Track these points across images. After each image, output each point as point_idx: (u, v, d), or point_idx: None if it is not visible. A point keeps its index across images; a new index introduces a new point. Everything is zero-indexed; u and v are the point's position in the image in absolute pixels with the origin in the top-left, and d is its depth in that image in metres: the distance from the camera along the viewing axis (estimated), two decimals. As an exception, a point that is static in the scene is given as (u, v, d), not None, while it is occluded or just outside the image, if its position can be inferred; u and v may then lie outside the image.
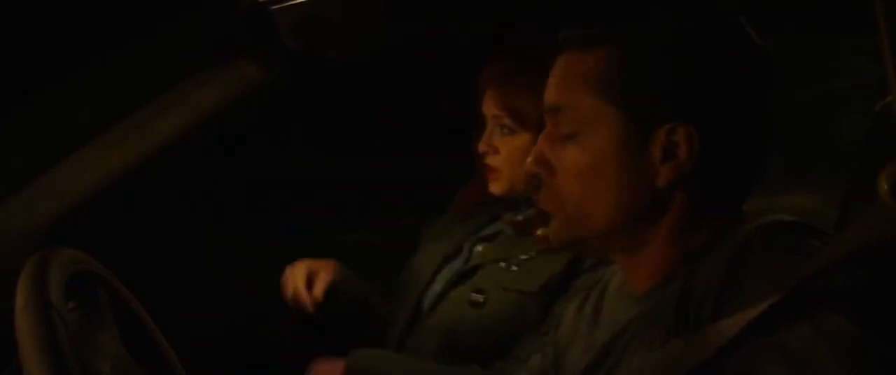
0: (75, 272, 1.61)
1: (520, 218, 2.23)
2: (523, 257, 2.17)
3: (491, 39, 2.27)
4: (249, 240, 2.69)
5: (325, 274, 2.28)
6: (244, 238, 2.67)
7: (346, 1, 1.91)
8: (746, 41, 1.45)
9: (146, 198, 2.30)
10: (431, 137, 2.33)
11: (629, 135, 1.42)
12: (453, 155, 2.34)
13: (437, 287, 2.26)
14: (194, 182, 2.60)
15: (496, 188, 2.20)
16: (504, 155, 2.17)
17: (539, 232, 2.10)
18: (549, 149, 1.48)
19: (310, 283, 2.27)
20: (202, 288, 2.59)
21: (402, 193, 2.70)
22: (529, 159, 1.49)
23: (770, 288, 1.21)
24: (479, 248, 2.27)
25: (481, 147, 2.19)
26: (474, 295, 2.17)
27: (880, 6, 1.24)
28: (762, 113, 1.45)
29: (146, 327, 1.77)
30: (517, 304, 2.11)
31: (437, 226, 2.40)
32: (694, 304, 1.35)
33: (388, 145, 2.82)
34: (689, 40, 1.43)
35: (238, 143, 2.55)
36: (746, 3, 1.51)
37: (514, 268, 2.16)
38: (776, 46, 1.47)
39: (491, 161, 2.19)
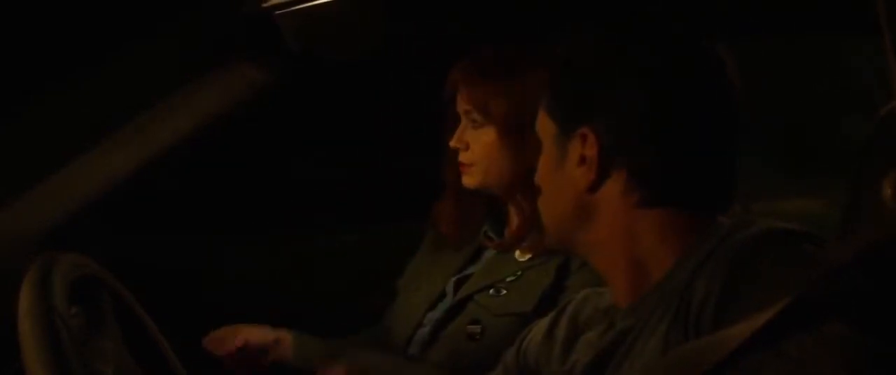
0: (78, 276, 1.61)
1: (499, 239, 2.23)
2: (510, 279, 2.15)
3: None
4: (250, 240, 2.69)
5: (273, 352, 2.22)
6: (244, 238, 2.67)
7: (348, 2, 1.90)
8: (673, 41, 1.46)
9: (147, 199, 2.30)
10: (433, 137, 2.32)
11: (556, 141, 1.48)
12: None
13: (426, 329, 2.23)
14: (195, 182, 2.60)
15: (469, 181, 2.19)
16: (475, 149, 2.17)
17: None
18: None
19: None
20: (202, 289, 2.59)
21: (403, 193, 2.69)
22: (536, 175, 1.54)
23: (771, 298, 1.20)
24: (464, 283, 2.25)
25: (453, 143, 2.19)
26: (470, 327, 2.14)
27: (883, 8, 1.23)
28: (696, 112, 1.45)
29: (148, 330, 1.77)
30: (515, 328, 2.08)
31: (413, 270, 2.37)
32: (693, 315, 1.35)
33: (390, 145, 2.82)
34: (610, 43, 1.46)
35: (238, 144, 2.55)
36: (748, 4, 1.51)
37: (504, 292, 2.14)
38: (777, 47, 1.46)
39: (463, 156, 2.19)
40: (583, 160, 1.45)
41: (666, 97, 1.44)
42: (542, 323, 1.67)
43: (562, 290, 2.08)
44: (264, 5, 1.85)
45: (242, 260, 2.66)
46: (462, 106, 2.19)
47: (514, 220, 2.21)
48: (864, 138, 2.00)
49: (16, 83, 2.08)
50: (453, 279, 2.24)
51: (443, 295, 2.24)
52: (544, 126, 1.51)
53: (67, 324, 1.50)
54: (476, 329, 2.12)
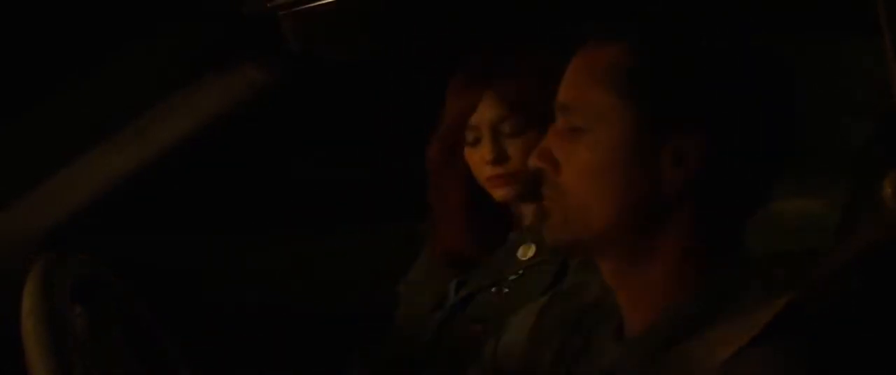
0: (81, 276, 1.61)
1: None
2: (512, 277, 2.14)
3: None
4: (250, 240, 2.69)
5: None
6: (244, 238, 2.67)
7: (350, 3, 1.91)
8: (766, 52, 1.40)
9: (148, 199, 2.30)
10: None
11: (639, 134, 1.36)
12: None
13: (431, 330, 2.21)
14: (195, 182, 2.60)
15: (509, 192, 2.11)
16: (517, 158, 2.08)
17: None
18: (557, 144, 1.41)
19: None
20: (202, 289, 2.60)
21: (403, 193, 2.69)
22: (534, 154, 1.43)
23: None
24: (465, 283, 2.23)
25: (491, 157, 2.09)
26: (473, 326, 2.14)
27: (883, 8, 1.24)
28: (779, 132, 1.40)
29: (152, 330, 1.78)
30: None
31: (416, 272, 2.36)
32: None
33: (390, 145, 2.82)
34: (709, 45, 1.38)
35: (239, 143, 2.55)
36: (750, 4, 1.50)
37: (506, 290, 2.13)
38: (779, 47, 1.46)
39: (502, 169, 2.10)
40: (676, 162, 1.35)
41: (778, 115, 1.39)
42: (521, 322, 1.63)
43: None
44: (267, 5, 1.85)
45: (242, 260, 2.66)
46: (487, 115, 2.11)
47: (523, 219, 2.19)
48: (864, 139, 2.01)
49: (17, 84, 2.09)
50: (454, 280, 2.23)
51: (446, 296, 2.23)
52: (614, 111, 1.37)
53: (71, 324, 1.50)
54: (479, 328, 2.12)
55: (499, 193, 2.13)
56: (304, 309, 2.47)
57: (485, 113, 2.11)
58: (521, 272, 2.12)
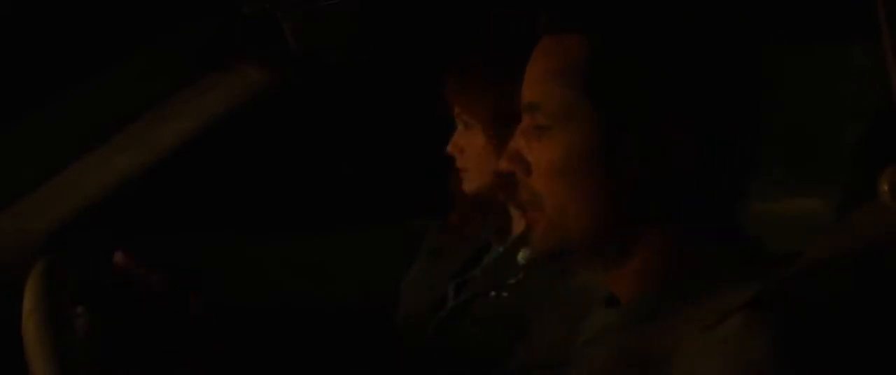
0: (84, 276, 1.62)
1: (501, 246, 2.22)
2: (511, 281, 2.15)
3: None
4: (252, 240, 2.69)
5: None
6: (244, 238, 2.67)
7: (349, 4, 1.91)
8: (742, 45, 1.35)
9: (147, 200, 2.30)
10: (438, 137, 2.32)
11: (604, 131, 1.30)
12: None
13: (430, 333, 2.22)
14: (195, 182, 2.61)
15: (467, 187, 2.16)
16: (468, 153, 2.13)
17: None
18: (525, 145, 1.36)
19: None
20: (202, 289, 2.59)
21: (407, 193, 2.70)
22: (503, 157, 1.38)
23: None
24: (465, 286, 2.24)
25: (449, 148, 2.16)
26: (474, 329, 2.14)
27: (883, 9, 1.24)
28: (751, 123, 1.35)
29: (152, 330, 1.78)
30: (518, 331, 2.08)
31: (415, 274, 2.37)
32: None
33: (392, 145, 2.83)
34: (679, 37, 1.31)
35: (241, 143, 2.56)
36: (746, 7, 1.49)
37: (505, 295, 2.14)
38: (778, 50, 1.44)
39: (459, 162, 2.16)
40: (647, 158, 1.30)
41: (749, 107, 1.34)
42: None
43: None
44: (266, 6, 1.85)
45: (242, 259, 2.66)
46: (455, 109, 2.16)
47: (520, 222, 2.20)
48: (857, 137, 2.01)
49: (20, 85, 2.09)
50: (453, 282, 2.24)
51: (445, 299, 2.23)
52: (577, 108, 1.31)
53: (73, 324, 1.50)
54: (479, 331, 2.12)
55: (462, 184, 2.16)
56: (305, 308, 2.47)
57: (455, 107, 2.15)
58: (520, 276, 2.13)
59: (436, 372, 2.13)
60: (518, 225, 2.21)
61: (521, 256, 2.15)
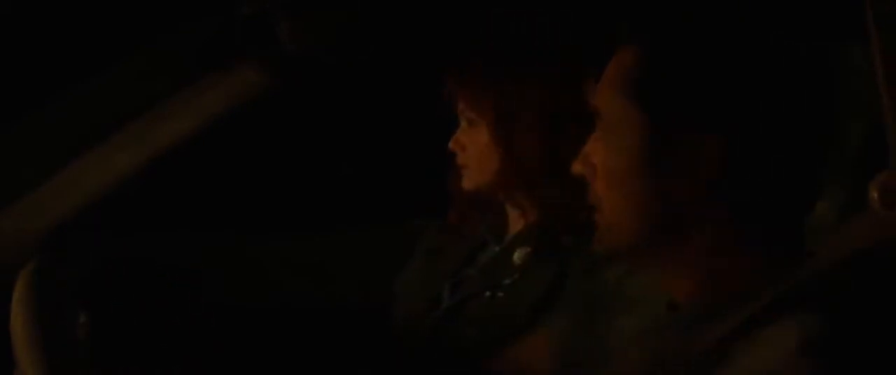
0: (83, 276, 1.62)
1: (498, 245, 2.22)
2: (507, 281, 2.15)
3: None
4: (250, 240, 2.69)
5: None
6: (244, 238, 2.67)
7: (347, 6, 1.91)
8: (792, 52, 1.38)
9: (147, 200, 2.31)
10: (438, 137, 2.32)
11: (650, 138, 1.36)
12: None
13: (425, 334, 2.22)
14: (196, 182, 2.61)
15: (466, 184, 2.18)
16: (470, 150, 2.16)
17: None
18: (593, 150, 1.42)
19: None
20: (202, 289, 2.60)
21: (406, 193, 2.70)
22: (578, 160, 1.44)
23: None
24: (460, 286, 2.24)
25: (451, 145, 2.18)
26: (469, 329, 2.14)
27: (871, 14, 1.24)
28: (811, 131, 1.37)
29: (152, 329, 1.79)
30: (512, 332, 2.08)
31: (410, 274, 2.37)
32: None
33: (391, 145, 2.83)
34: (717, 44, 1.36)
35: (240, 143, 2.56)
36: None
37: (500, 295, 2.14)
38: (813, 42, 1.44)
39: (460, 159, 2.18)
40: (690, 167, 1.34)
41: (808, 115, 1.36)
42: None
43: (560, 294, 2.08)
44: (262, 7, 1.86)
45: (242, 259, 2.66)
46: (459, 106, 2.18)
47: (518, 221, 2.20)
48: (858, 137, 2.00)
49: (19, 84, 2.10)
50: (448, 283, 2.24)
51: (440, 299, 2.24)
52: (626, 115, 1.37)
53: (69, 325, 1.51)
54: (475, 332, 2.12)
55: (463, 182, 2.19)
56: (305, 308, 2.47)
57: (459, 104, 2.18)
58: (516, 276, 2.13)
59: (432, 373, 2.13)
60: (515, 225, 2.21)
61: (517, 256, 2.16)
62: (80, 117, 1.93)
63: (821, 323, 1.20)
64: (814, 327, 1.20)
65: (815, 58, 1.40)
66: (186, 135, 1.98)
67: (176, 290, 2.19)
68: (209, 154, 2.30)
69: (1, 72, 2.19)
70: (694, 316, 1.35)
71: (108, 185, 1.93)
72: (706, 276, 1.36)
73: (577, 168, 1.43)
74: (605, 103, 1.40)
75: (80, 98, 1.94)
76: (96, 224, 1.98)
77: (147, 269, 2.09)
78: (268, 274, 2.46)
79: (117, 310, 1.76)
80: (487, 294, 2.14)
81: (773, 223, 1.36)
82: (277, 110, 2.37)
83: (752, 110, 1.34)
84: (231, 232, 2.58)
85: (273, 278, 2.43)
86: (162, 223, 2.58)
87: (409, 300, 2.29)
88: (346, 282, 2.49)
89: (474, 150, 2.16)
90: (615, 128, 1.38)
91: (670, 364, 1.31)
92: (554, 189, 2.10)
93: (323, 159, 2.84)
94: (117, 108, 1.94)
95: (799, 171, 1.37)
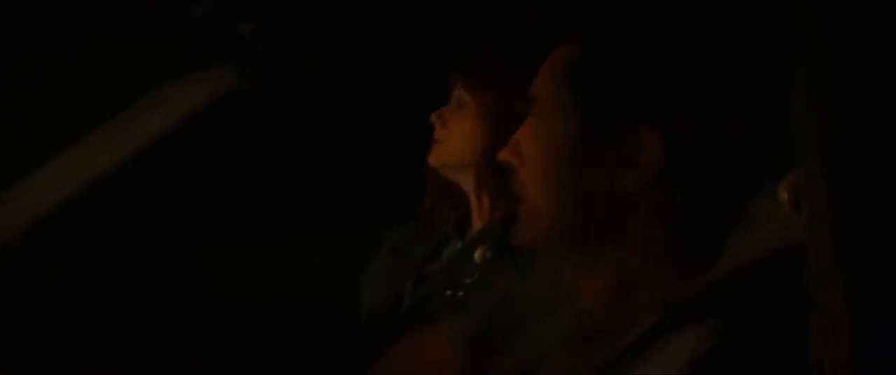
0: (64, 273, 1.64)
1: (462, 240, 2.23)
2: (468, 280, 2.15)
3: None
4: (250, 240, 2.71)
5: None
6: (243, 237, 2.69)
7: (309, 8, 1.92)
8: (734, 50, 1.35)
9: (139, 199, 2.33)
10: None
11: (584, 129, 1.31)
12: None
13: (390, 331, 2.23)
14: (195, 182, 2.63)
15: (433, 159, 2.22)
16: (451, 128, 2.20)
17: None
18: (523, 136, 1.37)
19: None
20: (201, 289, 2.62)
21: (405, 194, 2.70)
22: (506, 147, 1.39)
23: None
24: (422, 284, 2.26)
25: (433, 116, 2.22)
26: (430, 327, 2.15)
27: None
28: (749, 130, 1.32)
29: (138, 326, 1.81)
30: None
31: (376, 270, 2.38)
32: None
33: (391, 145, 2.83)
34: (663, 40, 1.33)
35: (237, 142, 2.58)
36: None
37: (461, 294, 2.14)
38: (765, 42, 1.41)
39: (437, 133, 2.22)
40: (628, 161, 1.29)
41: (751, 114, 1.33)
42: None
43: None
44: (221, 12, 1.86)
45: (231, 258, 2.68)
46: (455, 87, 2.22)
47: (480, 218, 2.21)
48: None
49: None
50: (410, 281, 2.25)
51: (402, 296, 2.25)
52: (560, 102, 1.34)
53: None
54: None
55: (430, 157, 2.24)
56: (305, 308, 2.49)
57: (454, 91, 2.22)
58: (476, 274, 2.13)
59: None
60: (477, 221, 2.22)
61: (478, 256, 2.16)
62: (58, 115, 1.95)
63: (711, 336, 1.17)
64: (703, 340, 1.17)
65: (757, 55, 1.34)
66: (172, 131, 1.98)
67: (169, 289, 2.23)
68: (210, 153, 2.32)
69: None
70: (601, 325, 1.32)
71: (87, 184, 1.94)
72: (617, 283, 1.31)
73: (504, 155, 1.38)
74: (542, 90, 1.36)
75: (60, 93, 1.95)
76: (79, 221, 2.00)
77: (140, 267, 2.12)
78: (267, 273, 2.48)
79: (111, 308, 1.78)
80: (448, 292, 2.15)
81: (697, 231, 1.30)
82: (278, 110, 2.38)
83: (689, 106, 1.29)
84: (230, 232, 2.61)
85: (273, 278, 2.45)
86: (160, 222, 2.60)
87: (374, 298, 2.30)
88: (346, 283, 2.50)
89: (455, 130, 2.19)
90: (549, 115, 1.33)
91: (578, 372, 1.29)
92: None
93: (322, 159, 2.85)
94: (95, 107, 1.95)
95: (735, 172, 1.31)
